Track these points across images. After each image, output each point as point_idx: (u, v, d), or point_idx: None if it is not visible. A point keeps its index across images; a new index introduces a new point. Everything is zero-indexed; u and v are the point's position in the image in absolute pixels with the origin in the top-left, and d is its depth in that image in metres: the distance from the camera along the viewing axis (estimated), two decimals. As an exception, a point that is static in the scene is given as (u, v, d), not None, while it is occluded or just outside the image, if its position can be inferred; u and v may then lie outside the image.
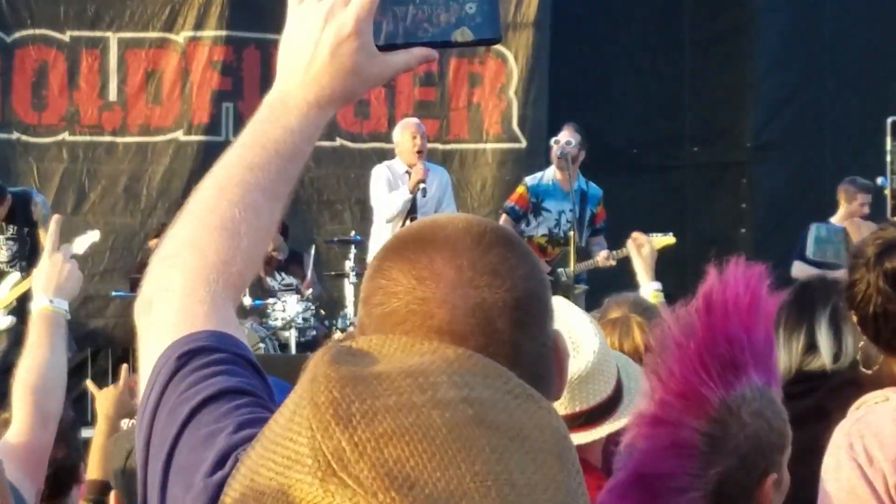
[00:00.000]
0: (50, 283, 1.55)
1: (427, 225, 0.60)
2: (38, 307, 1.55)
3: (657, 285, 2.50)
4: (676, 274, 5.60)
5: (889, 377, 1.31)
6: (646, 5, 7.07)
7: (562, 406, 1.18)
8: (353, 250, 5.62)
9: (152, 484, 0.53)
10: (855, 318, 1.37)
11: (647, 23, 7.06)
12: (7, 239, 5.32)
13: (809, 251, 5.30)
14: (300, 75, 0.62)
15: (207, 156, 5.71)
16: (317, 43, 0.61)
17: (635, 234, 2.79)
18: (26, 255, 5.24)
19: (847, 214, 5.54)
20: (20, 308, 4.66)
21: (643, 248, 2.68)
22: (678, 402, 0.85)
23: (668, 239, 5.15)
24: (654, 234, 4.95)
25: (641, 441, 0.88)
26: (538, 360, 0.53)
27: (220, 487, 0.43)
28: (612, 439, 1.22)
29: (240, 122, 6.00)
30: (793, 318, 1.83)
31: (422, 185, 5.45)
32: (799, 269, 5.44)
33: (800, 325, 1.83)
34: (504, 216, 5.70)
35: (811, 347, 1.83)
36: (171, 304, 0.57)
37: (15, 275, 4.91)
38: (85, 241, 5.41)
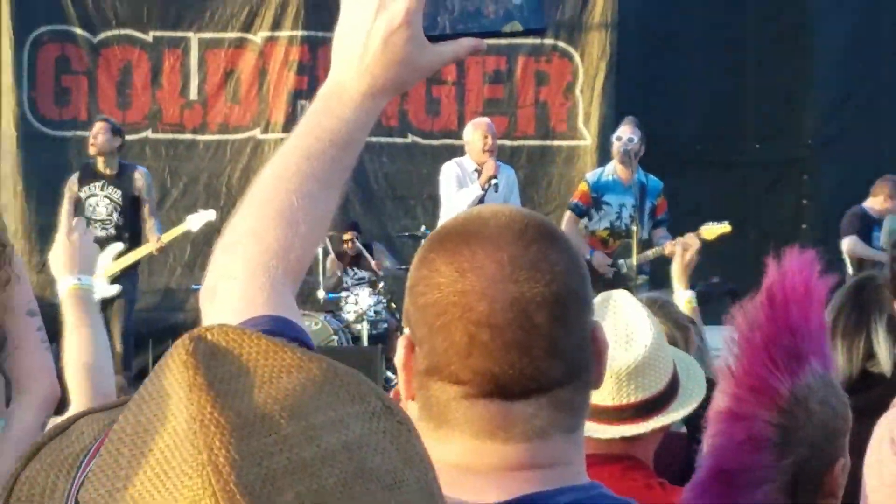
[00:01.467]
0: (71, 261, 1.51)
1: (472, 218, 0.60)
2: (66, 288, 1.50)
3: (690, 294, 2.47)
4: (737, 269, 5.76)
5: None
6: (709, 3, 7.17)
7: (609, 397, 1.16)
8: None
9: None
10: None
11: (709, 21, 7.15)
12: (109, 199, 5.37)
13: (883, 242, 5.47)
14: (353, 66, 0.62)
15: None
16: (369, 34, 0.61)
17: (688, 237, 2.79)
18: (128, 227, 5.34)
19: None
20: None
21: (688, 253, 2.70)
22: (750, 395, 0.86)
23: (724, 227, 5.31)
24: (710, 223, 5.18)
25: (718, 437, 0.87)
26: (576, 352, 0.54)
27: None
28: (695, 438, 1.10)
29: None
30: (850, 325, 1.83)
31: (493, 181, 5.61)
32: (849, 245, 5.67)
33: (858, 333, 1.83)
34: (568, 213, 5.82)
35: (870, 355, 1.82)
36: (233, 291, 0.58)
37: (118, 245, 4.85)
38: (200, 219, 5.57)
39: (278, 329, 0.54)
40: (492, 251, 0.52)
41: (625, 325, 1.23)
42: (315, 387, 0.32)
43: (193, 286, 6.06)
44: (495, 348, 0.50)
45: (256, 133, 6.50)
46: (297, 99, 6.48)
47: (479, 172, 5.58)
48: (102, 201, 5.39)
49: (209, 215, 4.78)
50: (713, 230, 5.20)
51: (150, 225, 5.51)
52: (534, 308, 0.51)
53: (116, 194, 5.40)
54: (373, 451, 0.31)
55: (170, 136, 6.48)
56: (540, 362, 0.51)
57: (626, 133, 5.64)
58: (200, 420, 0.28)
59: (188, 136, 6.49)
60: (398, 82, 0.64)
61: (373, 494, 0.29)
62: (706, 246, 3.77)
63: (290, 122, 6.46)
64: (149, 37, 6.42)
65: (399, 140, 6.49)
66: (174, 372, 0.31)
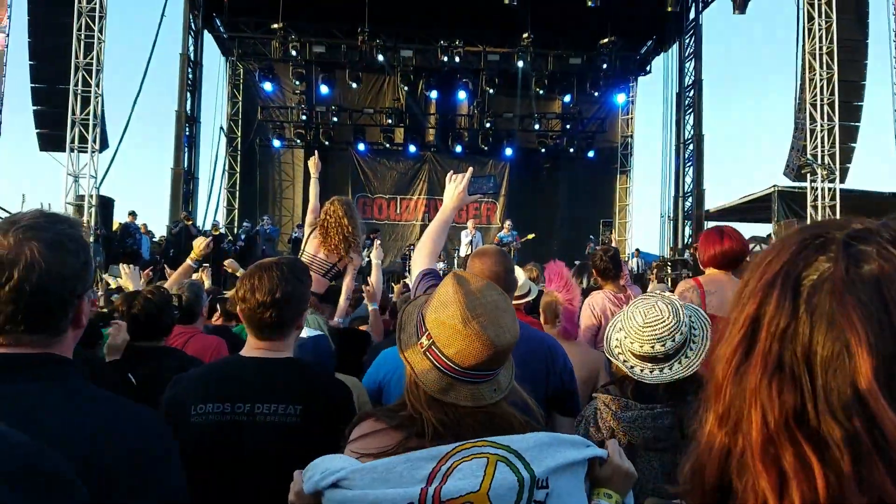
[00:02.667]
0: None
1: None
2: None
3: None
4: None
5: None
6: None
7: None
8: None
9: None
10: None
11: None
12: None
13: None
14: (447, 202, 2.14)
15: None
16: (452, 192, 2.15)
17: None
18: None
19: None
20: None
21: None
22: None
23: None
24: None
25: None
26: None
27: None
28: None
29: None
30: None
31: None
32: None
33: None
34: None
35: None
36: (418, 261, 2.07)
37: None
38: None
39: (432, 270, 2.01)
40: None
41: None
42: (490, 287, 1.25)
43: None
44: None
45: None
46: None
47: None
48: None
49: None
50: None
51: None
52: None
53: None
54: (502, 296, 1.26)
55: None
56: None
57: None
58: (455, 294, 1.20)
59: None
60: (460, 206, 2.19)
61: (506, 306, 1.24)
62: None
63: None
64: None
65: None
66: (448, 283, 1.23)
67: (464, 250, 13.30)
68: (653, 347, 1.75)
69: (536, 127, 17.00)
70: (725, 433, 0.58)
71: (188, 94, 16.15)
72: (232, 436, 1.65)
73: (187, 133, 16.17)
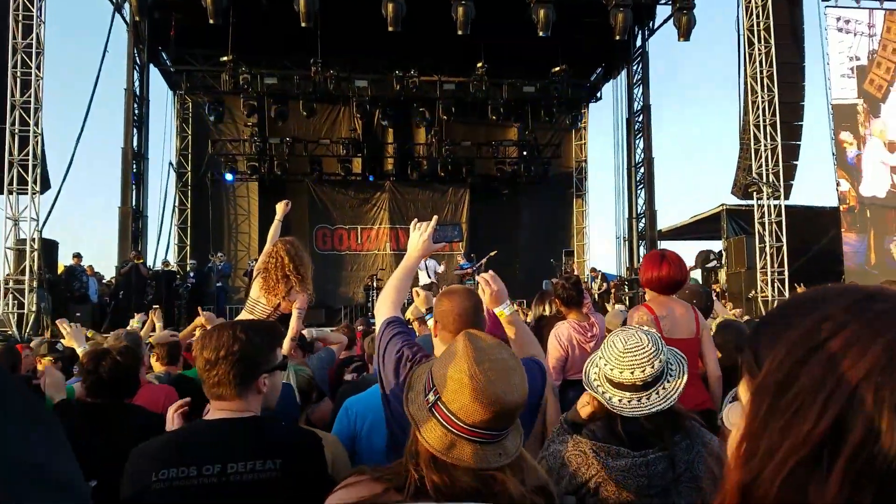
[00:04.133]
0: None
1: None
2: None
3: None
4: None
5: None
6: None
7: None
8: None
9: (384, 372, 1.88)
10: None
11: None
12: None
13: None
14: (411, 251, 2.20)
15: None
16: (417, 241, 2.19)
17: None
18: None
19: None
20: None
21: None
22: None
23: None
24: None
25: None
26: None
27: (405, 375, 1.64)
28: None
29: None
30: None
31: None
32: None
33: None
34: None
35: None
36: (381, 310, 2.07)
37: None
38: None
39: (397, 319, 2.02)
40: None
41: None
42: (500, 346, 1.24)
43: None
44: None
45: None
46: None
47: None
48: None
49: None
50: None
51: None
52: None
53: None
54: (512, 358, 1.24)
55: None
56: None
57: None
58: (464, 349, 1.20)
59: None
60: (424, 255, 2.22)
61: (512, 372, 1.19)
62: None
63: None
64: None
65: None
66: (459, 339, 1.23)
67: (422, 278, 13.21)
68: (632, 374, 1.77)
69: (494, 154, 17.15)
70: None
71: (135, 130, 15.56)
72: (199, 501, 1.53)
73: (135, 170, 15.54)
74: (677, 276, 3.18)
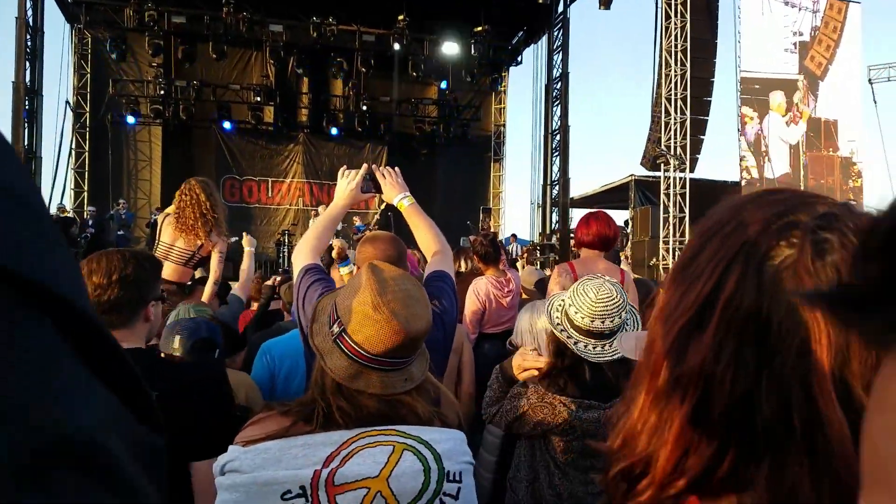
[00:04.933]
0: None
1: None
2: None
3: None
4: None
5: None
6: None
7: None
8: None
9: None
10: None
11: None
12: None
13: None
14: (337, 198, 2.08)
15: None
16: (344, 189, 2.07)
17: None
18: None
19: None
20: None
21: None
22: None
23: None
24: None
25: None
26: None
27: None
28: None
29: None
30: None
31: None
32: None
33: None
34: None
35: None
36: (300, 257, 1.91)
37: None
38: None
39: (315, 266, 1.88)
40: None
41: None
42: (404, 276, 1.24)
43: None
44: None
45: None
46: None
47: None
48: None
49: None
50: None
51: None
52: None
53: None
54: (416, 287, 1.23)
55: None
56: None
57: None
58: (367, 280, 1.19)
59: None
60: (351, 203, 2.10)
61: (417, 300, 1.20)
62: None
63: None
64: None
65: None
66: (363, 271, 1.24)
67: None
68: (602, 322, 1.87)
69: (413, 112, 16.92)
70: (659, 411, 0.55)
71: (27, 64, 14.45)
72: None
73: (27, 107, 14.47)
74: (605, 232, 3.39)
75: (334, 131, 16.32)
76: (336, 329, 1.20)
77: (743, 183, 15.72)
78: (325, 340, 1.22)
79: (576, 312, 1.90)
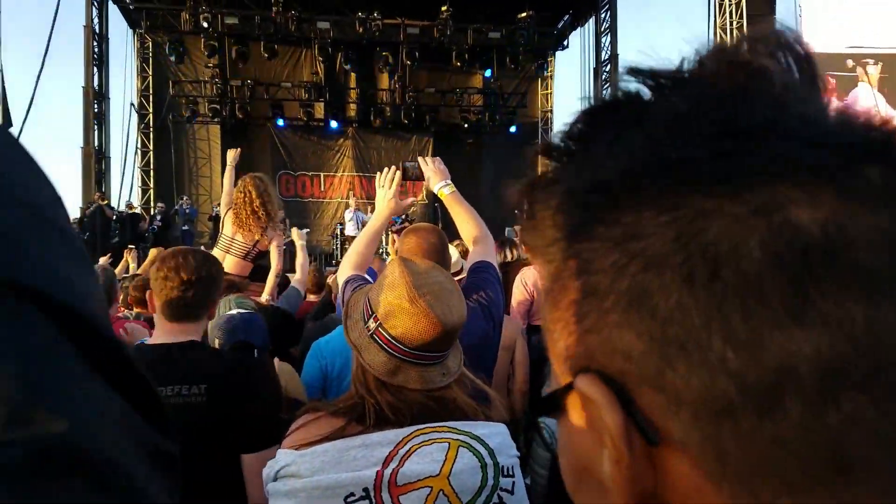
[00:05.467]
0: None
1: None
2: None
3: None
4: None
5: None
6: None
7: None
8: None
9: None
10: None
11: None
12: None
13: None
14: (378, 211, 2.10)
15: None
16: (382, 200, 2.07)
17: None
18: None
19: None
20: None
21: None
22: None
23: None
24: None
25: None
26: None
27: None
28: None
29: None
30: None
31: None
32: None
33: None
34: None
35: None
36: (343, 271, 1.97)
37: None
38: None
39: (358, 276, 1.90)
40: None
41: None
42: (436, 269, 1.23)
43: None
44: None
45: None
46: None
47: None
48: None
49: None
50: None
51: None
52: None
53: None
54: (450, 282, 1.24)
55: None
56: None
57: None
58: (401, 275, 1.19)
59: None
60: (392, 214, 2.08)
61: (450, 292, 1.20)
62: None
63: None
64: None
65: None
66: (395, 266, 1.20)
67: (349, 229, 13.42)
68: None
69: (458, 102, 17.01)
70: None
71: (95, 69, 15.35)
72: None
73: (96, 110, 15.41)
74: None
75: (381, 124, 16.62)
76: (372, 324, 1.19)
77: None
78: (362, 336, 1.21)
79: None
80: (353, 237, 12.34)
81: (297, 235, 4.00)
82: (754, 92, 0.26)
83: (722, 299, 0.24)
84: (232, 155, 4.19)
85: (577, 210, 0.30)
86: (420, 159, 2.17)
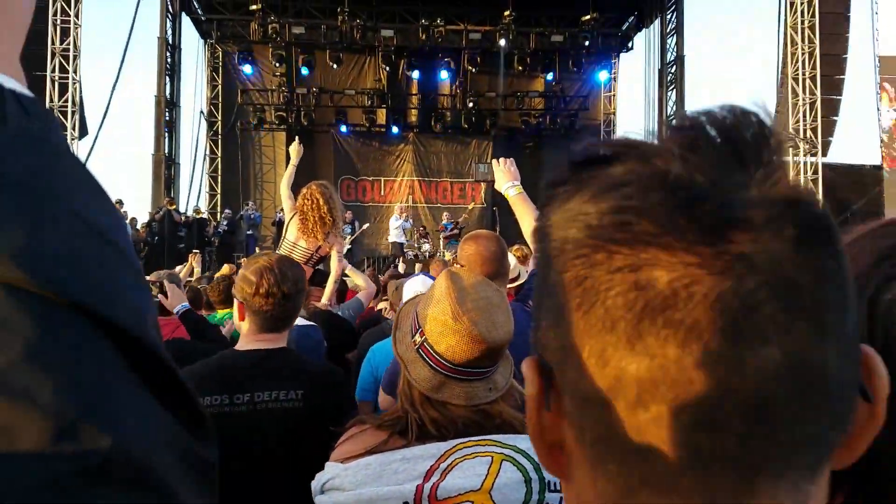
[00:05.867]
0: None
1: None
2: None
3: None
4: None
5: None
6: None
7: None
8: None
9: None
10: None
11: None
12: None
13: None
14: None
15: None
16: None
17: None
18: None
19: None
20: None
21: None
22: None
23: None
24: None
25: None
26: None
27: None
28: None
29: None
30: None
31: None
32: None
33: None
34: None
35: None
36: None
37: None
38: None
39: None
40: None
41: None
42: (484, 283, 1.20)
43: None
44: None
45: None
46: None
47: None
48: None
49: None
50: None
51: None
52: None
53: None
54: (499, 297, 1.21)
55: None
56: None
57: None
58: (447, 289, 1.16)
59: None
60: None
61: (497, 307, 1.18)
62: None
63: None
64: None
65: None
66: (441, 280, 1.18)
67: (393, 235, 13.52)
68: None
69: (519, 106, 16.91)
70: None
71: (167, 79, 15.97)
72: (232, 426, 1.63)
73: (167, 118, 16.02)
74: None
75: (441, 129, 16.69)
76: (418, 338, 1.17)
77: (885, 168, 14.41)
78: (409, 350, 1.19)
79: None
80: (398, 244, 12.53)
81: (335, 259, 3.98)
82: (647, 182, 0.34)
83: (591, 326, 0.33)
84: (294, 151, 4.18)
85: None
86: (493, 162, 2.17)
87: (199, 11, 16.55)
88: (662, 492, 0.33)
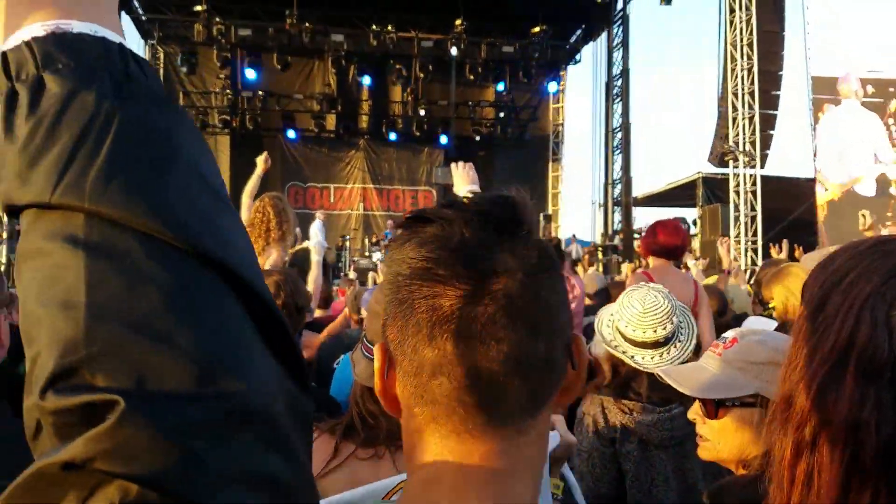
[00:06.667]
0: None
1: None
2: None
3: None
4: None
5: None
6: None
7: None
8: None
9: None
10: None
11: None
12: None
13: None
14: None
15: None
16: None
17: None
18: None
19: None
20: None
21: None
22: None
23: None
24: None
25: None
26: None
27: None
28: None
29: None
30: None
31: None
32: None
33: None
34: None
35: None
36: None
37: None
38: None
39: None
40: None
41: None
42: None
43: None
44: None
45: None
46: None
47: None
48: None
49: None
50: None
51: None
52: None
53: None
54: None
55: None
56: None
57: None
58: None
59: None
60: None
61: None
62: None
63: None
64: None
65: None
66: None
67: (313, 240, 13.19)
68: (655, 332, 1.90)
69: (471, 115, 16.95)
70: (807, 463, 0.58)
71: (104, 79, 15.23)
72: None
73: (104, 120, 15.26)
74: (673, 242, 3.35)
75: (393, 136, 16.52)
76: (364, 338, 1.24)
77: (817, 178, 15.04)
78: (356, 352, 1.26)
79: (626, 326, 1.94)
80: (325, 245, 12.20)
81: (314, 251, 3.92)
82: (443, 241, 0.51)
83: (409, 328, 0.51)
84: (261, 163, 4.06)
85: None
86: (452, 165, 2.15)
87: (140, 10, 15.91)
88: (442, 424, 0.51)
